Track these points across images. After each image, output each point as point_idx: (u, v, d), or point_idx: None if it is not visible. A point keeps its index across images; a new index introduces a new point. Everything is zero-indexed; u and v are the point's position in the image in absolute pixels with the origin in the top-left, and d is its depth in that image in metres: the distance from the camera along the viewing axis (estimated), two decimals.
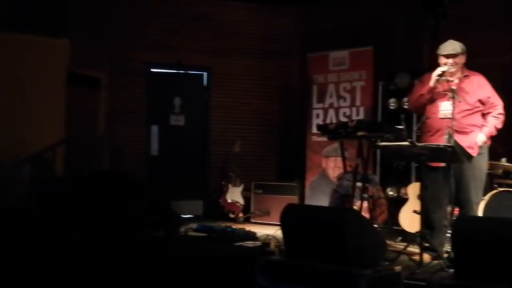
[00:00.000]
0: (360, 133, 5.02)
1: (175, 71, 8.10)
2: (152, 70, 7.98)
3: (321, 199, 7.01)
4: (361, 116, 7.01)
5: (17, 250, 4.98)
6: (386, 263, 4.07)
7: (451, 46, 4.77)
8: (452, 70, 4.73)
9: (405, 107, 6.42)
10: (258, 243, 4.94)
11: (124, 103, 7.75)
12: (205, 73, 8.18)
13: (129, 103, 7.78)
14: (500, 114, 4.76)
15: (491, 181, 5.50)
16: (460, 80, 4.78)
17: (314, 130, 7.09)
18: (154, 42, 7.90)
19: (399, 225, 5.82)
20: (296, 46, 8.31)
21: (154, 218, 4.77)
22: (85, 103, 7.36)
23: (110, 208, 4.61)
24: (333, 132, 5.23)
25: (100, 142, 6.91)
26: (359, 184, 5.33)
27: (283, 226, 4.01)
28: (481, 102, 4.75)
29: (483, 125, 4.74)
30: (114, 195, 4.62)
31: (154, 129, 7.95)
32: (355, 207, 5.41)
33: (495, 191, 5.36)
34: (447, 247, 4.57)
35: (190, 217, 7.29)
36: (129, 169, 7.34)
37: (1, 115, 6.32)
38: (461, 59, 4.78)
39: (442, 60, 4.77)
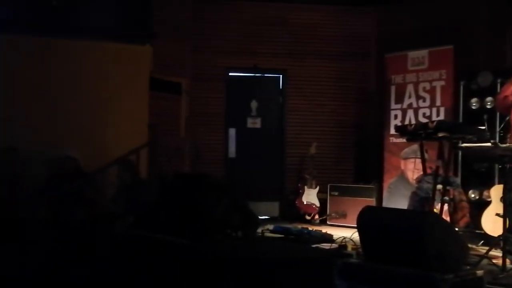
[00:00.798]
0: (440, 134, 4.91)
1: (252, 74, 8.23)
2: (230, 74, 8.15)
3: (399, 202, 6.90)
4: (441, 117, 6.85)
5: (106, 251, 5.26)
6: (468, 267, 3.96)
7: None
8: None
9: (488, 107, 6.21)
10: (335, 246, 4.93)
11: (204, 107, 7.97)
12: (281, 76, 8.26)
13: (208, 107, 8.00)
14: None
15: None
16: None
17: (392, 131, 6.99)
18: (233, 47, 8.08)
19: (481, 229, 5.64)
20: (373, 46, 8.24)
21: (234, 219, 4.87)
22: (167, 108, 7.63)
23: (193, 209, 4.74)
24: (412, 133, 5.15)
25: (181, 145, 7.14)
26: (439, 186, 5.21)
27: (361, 228, 3.98)
28: None
29: None
30: (197, 196, 4.75)
31: (232, 132, 8.11)
32: (435, 210, 5.28)
33: None
34: None
35: (266, 218, 7.37)
36: (208, 171, 7.53)
37: (89, 120, 6.68)
38: None
39: None
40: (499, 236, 4.40)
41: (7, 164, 6.01)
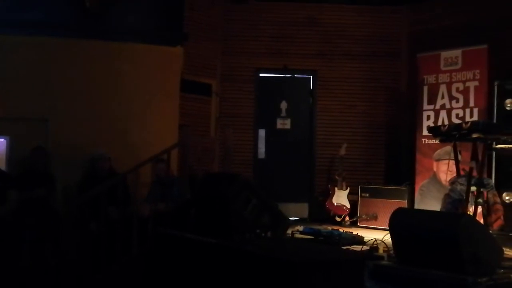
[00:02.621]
0: (475, 135, 4.84)
1: (282, 75, 8.23)
2: (260, 75, 8.16)
3: (431, 204, 6.80)
4: (475, 118, 6.73)
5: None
6: (502, 270, 3.88)
7: None
8: None
9: None
10: (366, 248, 4.88)
11: (234, 108, 8.01)
12: (311, 77, 8.24)
13: (238, 108, 8.03)
14: None
15: None
16: None
17: (425, 132, 6.90)
18: (263, 48, 8.10)
19: None
20: (404, 46, 8.16)
21: (263, 219, 4.87)
22: (197, 109, 7.69)
23: (223, 208, 4.76)
24: (445, 134, 5.07)
25: (211, 146, 7.17)
26: (473, 188, 5.12)
27: (393, 230, 3.94)
28: None
29: None
30: (227, 196, 4.77)
31: (261, 132, 8.12)
32: (469, 213, 5.19)
33: None
34: None
35: (295, 219, 7.35)
36: (237, 171, 7.54)
37: (121, 120, 6.77)
38: None
39: None
40: None
41: (37, 163, 6.13)
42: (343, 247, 4.96)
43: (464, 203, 5.22)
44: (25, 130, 6.53)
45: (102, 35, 6.80)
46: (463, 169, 5.31)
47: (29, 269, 5.77)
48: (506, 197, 6.22)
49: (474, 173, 5.12)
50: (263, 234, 4.85)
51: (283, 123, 8.17)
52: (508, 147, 4.48)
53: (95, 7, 6.66)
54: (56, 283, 5.62)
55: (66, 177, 6.23)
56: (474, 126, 4.89)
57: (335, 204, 7.45)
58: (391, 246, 4.23)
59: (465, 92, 6.92)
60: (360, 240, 5.30)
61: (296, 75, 8.26)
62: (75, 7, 6.67)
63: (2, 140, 6.51)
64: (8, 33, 6.49)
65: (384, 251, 4.59)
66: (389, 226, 3.94)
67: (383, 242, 4.85)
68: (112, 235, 5.74)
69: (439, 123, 6.99)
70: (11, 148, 6.51)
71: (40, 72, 6.61)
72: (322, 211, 7.56)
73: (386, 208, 6.98)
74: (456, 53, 7.03)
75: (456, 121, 6.76)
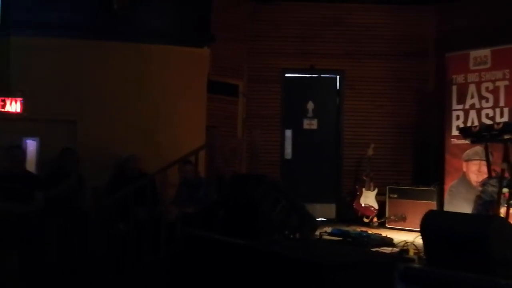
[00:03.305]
0: (506, 136, 4.76)
1: (308, 75, 8.20)
2: (286, 75, 8.15)
3: (461, 205, 6.70)
4: (505, 118, 6.61)
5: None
6: None
7: None
8: None
9: None
10: (396, 249, 4.84)
11: (260, 109, 8.02)
12: (338, 77, 8.19)
13: (265, 108, 8.03)
14: None
15: None
16: None
17: (454, 132, 6.82)
18: (290, 48, 8.09)
19: None
20: (432, 46, 8.08)
21: (291, 220, 4.85)
22: (224, 110, 7.71)
23: (251, 209, 4.76)
24: (476, 135, 5.00)
25: (238, 146, 7.19)
26: (505, 190, 5.03)
27: (423, 233, 3.90)
28: None
29: None
30: (254, 197, 4.77)
31: (288, 133, 8.10)
32: (500, 215, 5.11)
33: None
34: None
35: (322, 220, 7.32)
36: (264, 172, 7.53)
37: (149, 122, 6.82)
38: None
39: None
40: None
41: (66, 164, 6.21)
42: (372, 249, 4.92)
43: (496, 205, 5.13)
44: (54, 132, 6.61)
45: (129, 37, 6.85)
46: (494, 170, 5.23)
47: (56, 268, 5.87)
48: None
49: (506, 175, 5.03)
50: (291, 236, 4.83)
51: (310, 124, 8.14)
52: None
53: (123, 8, 6.71)
54: (83, 282, 5.69)
55: (95, 177, 6.29)
56: (506, 127, 4.81)
57: (363, 205, 7.39)
58: (422, 248, 4.19)
59: (495, 91, 6.81)
60: (389, 242, 5.26)
61: (322, 75, 8.22)
62: (103, 9, 6.73)
63: (32, 141, 6.61)
64: (37, 35, 6.58)
65: (414, 253, 4.55)
66: (420, 229, 3.91)
67: (413, 244, 4.80)
68: (139, 235, 5.79)
69: (469, 123, 6.90)
70: (40, 149, 6.61)
71: (68, 73, 6.69)
72: (349, 212, 7.51)
73: (415, 209, 6.90)
74: (485, 52, 6.92)
75: (486, 121, 6.66)
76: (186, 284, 5.25)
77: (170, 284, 5.51)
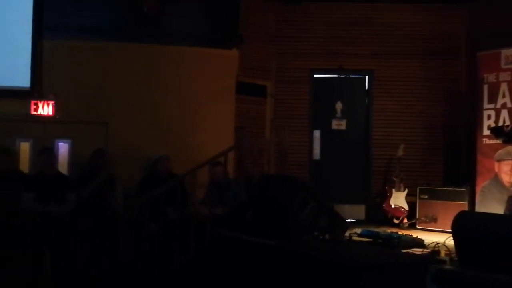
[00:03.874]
0: None
1: (337, 76, 8.16)
2: (315, 76, 8.13)
3: (493, 206, 6.59)
4: None
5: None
6: None
7: None
8: None
9: None
10: (427, 251, 4.79)
11: (288, 109, 8.01)
12: (366, 77, 8.14)
13: (293, 109, 8.02)
14: None
15: None
16: None
17: (486, 132, 6.71)
18: (318, 49, 8.06)
19: None
20: (463, 45, 7.98)
21: (321, 221, 4.84)
22: (252, 110, 7.72)
23: (280, 210, 4.76)
24: (508, 134, 4.92)
25: (266, 147, 7.21)
26: None
27: (455, 234, 3.86)
28: None
29: None
30: (283, 198, 4.77)
31: (317, 133, 8.07)
32: None
33: None
34: None
35: (352, 221, 7.27)
36: (293, 173, 7.54)
37: (179, 123, 6.88)
38: None
39: None
40: None
41: (98, 165, 6.29)
42: (403, 250, 4.88)
43: None
44: (86, 134, 6.72)
45: (159, 39, 6.94)
46: None
47: (87, 268, 5.96)
48: None
49: None
50: (320, 237, 4.82)
51: (339, 124, 8.10)
52: None
53: (153, 11, 6.78)
54: (113, 282, 5.77)
55: (126, 178, 6.37)
56: None
57: (393, 206, 7.33)
58: (453, 250, 4.14)
59: None
60: (420, 243, 5.21)
61: (351, 75, 8.18)
62: (133, 12, 6.82)
63: (64, 143, 6.73)
64: (68, 38, 6.71)
65: (446, 254, 4.50)
66: (451, 230, 3.87)
67: (444, 245, 4.74)
68: (170, 235, 5.84)
69: (500, 122, 6.77)
70: (72, 151, 6.72)
71: (99, 76, 6.80)
72: (379, 213, 7.45)
73: (446, 210, 6.82)
74: None
75: None
76: (215, 284, 5.28)
77: (199, 284, 5.54)
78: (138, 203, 5.69)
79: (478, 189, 7.03)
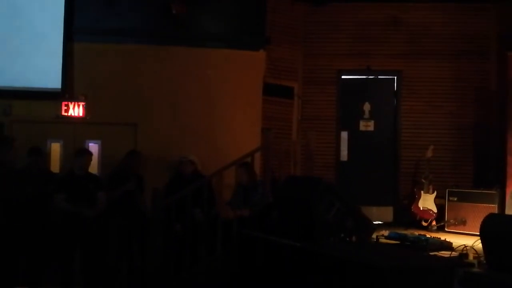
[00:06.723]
0: None
1: (364, 76, 8.12)
2: (342, 77, 8.10)
3: None
4: None
5: None
6: None
7: None
8: None
9: None
10: (455, 254, 4.73)
11: (316, 110, 7.99)
12: (395, 77, 8.08)
13: (320, 110, 7.99)
14: None
15: None
16: None
17: None
18: (345, 49, 8.02)
19: None
20: (493, 44, 7.85)
21: (347, 223, 4.83)
22: (279, 112, 7.73)
23: (306, 212, 4.77)
24: None
25: (293, 149, 7.21)
26: None
27: (484, 237, 3.81)
28: None
29: None
30: (310, 199, 4.77)
31: (344, 135, 8.04)
32: None
33: None
34: None
35: (379, 223, 7.23)
36: (320, 174, 7.53)
37: (206, 124, 6.93)
38: None
39: None
40: None
41: (132, 166, 6.36)
42: (430, 253, 4.83)
43: None
44: (116, 135, 6.82)
45: (187, 41, 7.00)
46: None
47: (116, 267, 6.05)
48: None
49: None
50: (347, 238, 4.81)
51: (366, 125, 8.06)
52: None
53: (181, 14, 6.85)
54: (141, 282, 5.84)
55: (155, 179, 6.43)
56: None
57: (421, 208, 7.25)
58: (482, 253, 4.09)
59: None
60: (448, 246, 5.15)
61: (379, 76, 8.12)
62: (162, 14, 6.90)
63: (94, 144, 6.83)
64: (97, 41, 6.81)
65: (474, 257, 4.44)
66: (480, 232, 3.82)
67: (473, 248, 4.68)
68: (196, 236, 5.89)
69: None
70: (102, 152, 6.83)
71: (129, 78, 6.88)
72: (407, 215, 7.38)
73: (475, 212, 6.72)
74: None
75: None
76: (241, 284, 5.31)
77: (225, 284, 5.58)
78: (165, 204, 5.74)
79: (508, 192, 6.91)
